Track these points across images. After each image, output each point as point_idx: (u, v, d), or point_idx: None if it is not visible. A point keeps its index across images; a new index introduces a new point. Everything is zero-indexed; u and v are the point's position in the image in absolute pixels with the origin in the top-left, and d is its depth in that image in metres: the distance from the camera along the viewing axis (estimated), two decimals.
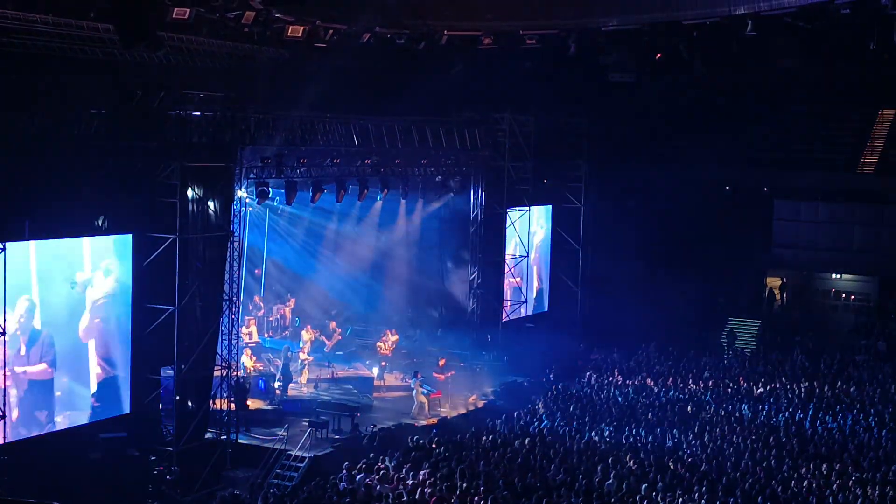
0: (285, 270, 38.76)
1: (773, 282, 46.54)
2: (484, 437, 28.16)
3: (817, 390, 34.02)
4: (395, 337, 36.48)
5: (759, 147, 46.81)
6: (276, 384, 32.00)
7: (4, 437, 23.30)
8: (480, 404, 33.87)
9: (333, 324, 37.17)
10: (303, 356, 34.14)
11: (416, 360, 36.02)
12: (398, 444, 27.51)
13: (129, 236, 26.15)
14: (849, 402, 32.53)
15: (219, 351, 27.84)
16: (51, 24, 23.66)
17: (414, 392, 32.28)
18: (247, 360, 31.75)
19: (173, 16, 25.29)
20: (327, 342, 35.93)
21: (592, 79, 36.35)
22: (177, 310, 26.28)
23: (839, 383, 34.86)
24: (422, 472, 24.44)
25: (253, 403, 30.20)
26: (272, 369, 32.98)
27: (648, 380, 35.58)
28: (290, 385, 32.49)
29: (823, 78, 42.32)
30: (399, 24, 30.82)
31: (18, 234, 23.42)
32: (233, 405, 28.33)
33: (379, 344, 35.91)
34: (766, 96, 44.06)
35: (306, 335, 35.35)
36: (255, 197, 30.02)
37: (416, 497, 22.76)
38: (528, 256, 41.37)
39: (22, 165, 23.10)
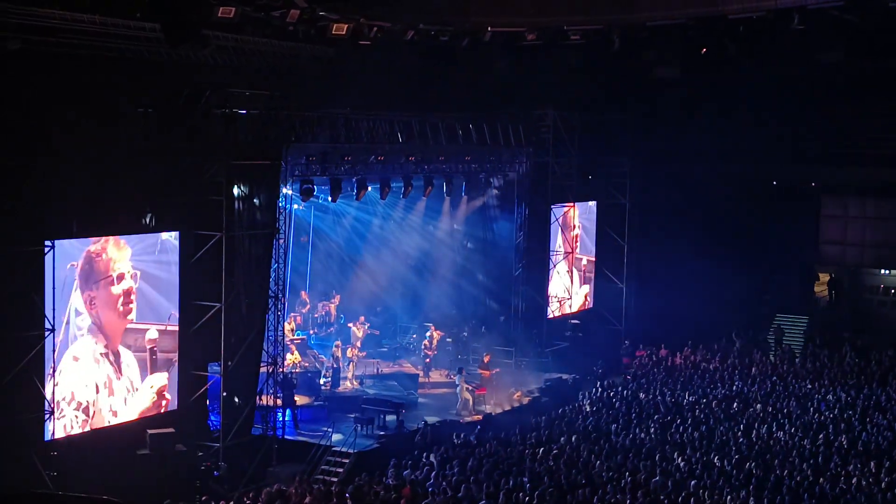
0: (330, 267, 38.85)
1: (822, 277, 46.10)
2: (529, 434, 28.14)
3: (866, 387, 33.69)
4: (439, 334, 36.45)
5: (806, 142, 46.27)
6: (323, 380, 32.18)
7: (53, 433, 23.59)
8: (525, 401, 33.84)
9: (362, 318, 36.77)
10: (353, 352, 34.21)
11: (460, 357, 36.05)
12: (443, 441, 27.56)
13: (176, 234, 26.39)
14: None
15: (265, 347, 28.01)
16: (97, 23, 23.86)
17: (458, 388, 32.31)
18: (290, 356, 31.86)
19: (219, 14, 25.37)
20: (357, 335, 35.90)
21: (637, 74, 36.14)
22: (223, 306, 26.46)
23: (889, 380, 34.52)
24: (466, 469, 24.47)
25: (299, 399, 30.35)
26: (318, 365, 33.14)
27: (694, 376, 35.42)
28: (339, 380, 32.72)
29: (871, 72, 41.81)
30: (442, 21, 30.79)
31: (66, 233, 23.68)
32: (279, 401, 28.52)
33: (425, 342, 35.88)
34: (813, 91, 43.57)
35: (357, 332, 35.43)
36: (299, 194, 30.14)
37: (461, 493, 22.75)
38: (572, 252, 41.24)
39: (69, 164, 23.33)
